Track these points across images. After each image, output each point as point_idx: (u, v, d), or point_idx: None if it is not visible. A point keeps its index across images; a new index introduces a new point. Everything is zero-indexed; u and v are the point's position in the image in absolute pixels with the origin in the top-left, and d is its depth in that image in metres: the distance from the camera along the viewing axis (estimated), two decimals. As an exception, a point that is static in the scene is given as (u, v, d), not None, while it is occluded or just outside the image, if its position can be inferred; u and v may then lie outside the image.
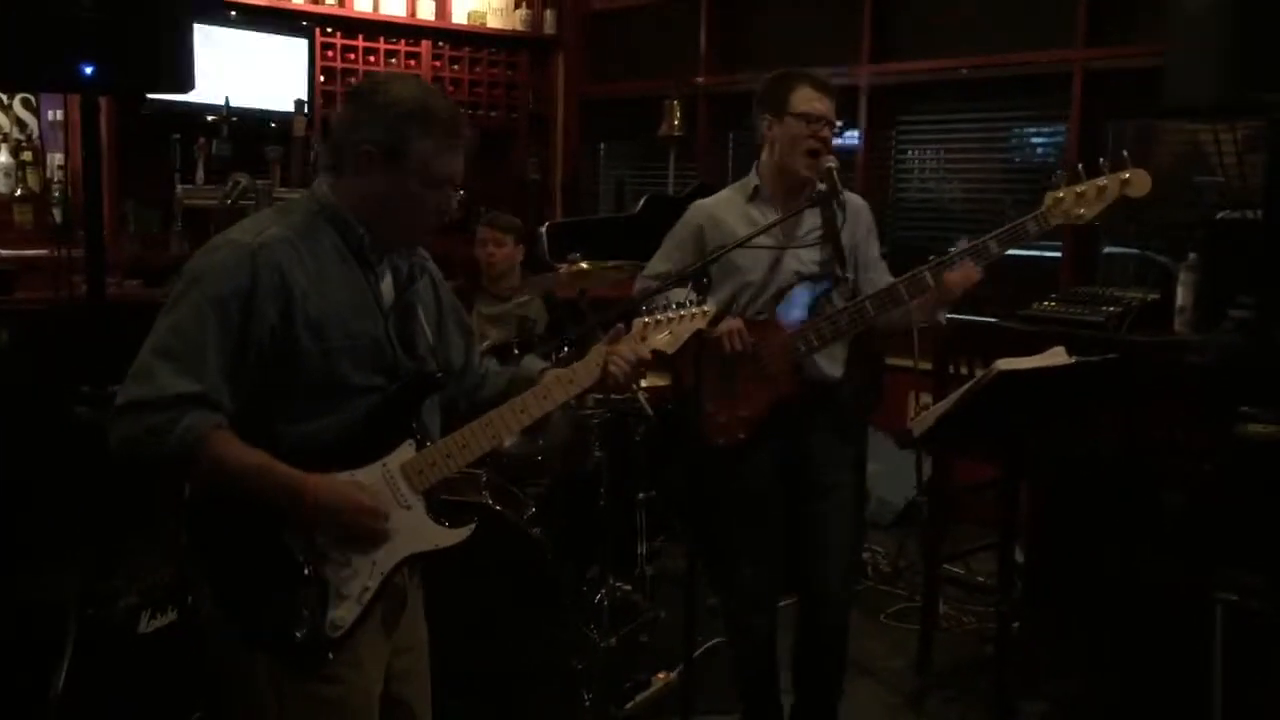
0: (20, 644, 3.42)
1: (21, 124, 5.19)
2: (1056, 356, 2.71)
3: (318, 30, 6.00)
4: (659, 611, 3.86)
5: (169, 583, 3.21)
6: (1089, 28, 4.76)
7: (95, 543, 3.22)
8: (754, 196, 3.00)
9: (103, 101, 3.26)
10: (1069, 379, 2.75)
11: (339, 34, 6.15)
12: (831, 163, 2.89)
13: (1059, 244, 4.87)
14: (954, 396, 2.74)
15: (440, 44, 6.54)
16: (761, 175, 3.01)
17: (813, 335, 2.87)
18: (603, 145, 7.25)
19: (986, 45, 5.15)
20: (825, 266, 2.96)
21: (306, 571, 1.91)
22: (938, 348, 3.88)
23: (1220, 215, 3.51)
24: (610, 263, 3.86)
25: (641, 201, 5.81)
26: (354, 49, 6.21)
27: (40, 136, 5.15)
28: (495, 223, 4.26)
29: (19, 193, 5.15)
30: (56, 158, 5.17)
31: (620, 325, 2.19)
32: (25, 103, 5.17)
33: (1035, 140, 5.32)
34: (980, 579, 4.24)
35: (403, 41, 6.40)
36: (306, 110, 5.54)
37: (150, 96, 4.72)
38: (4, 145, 5.14)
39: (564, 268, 3.89)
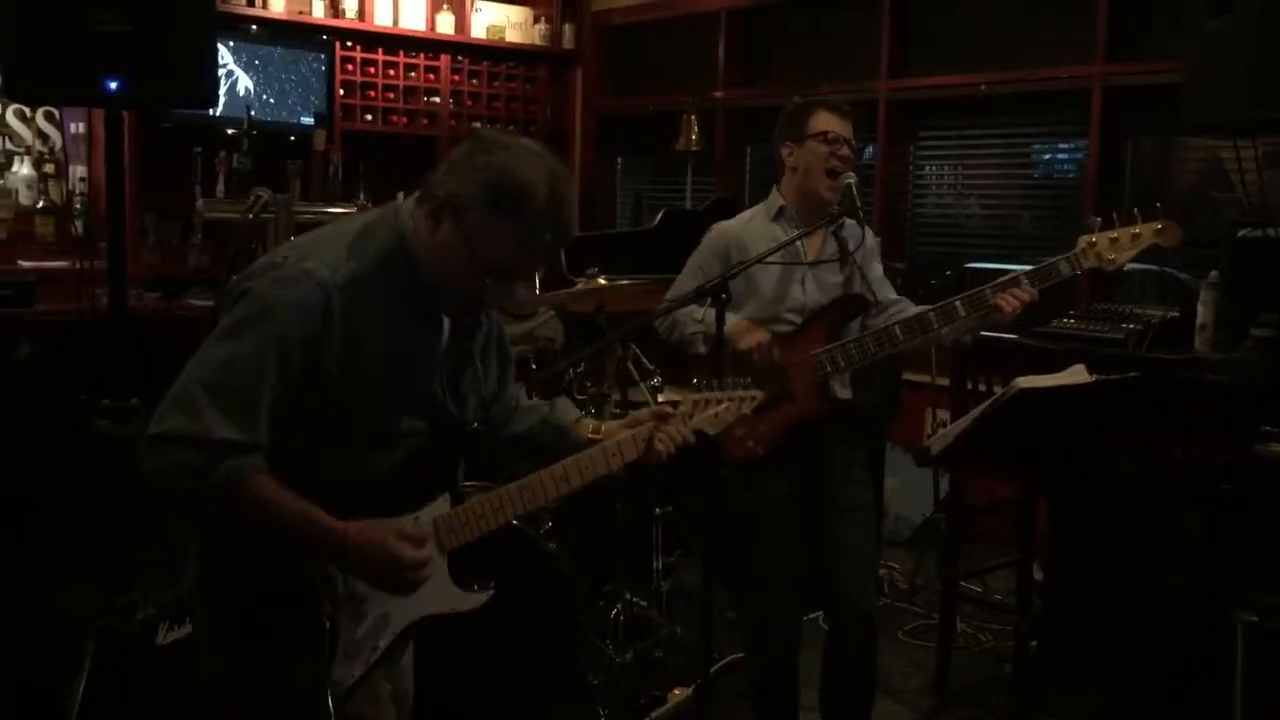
0: (39, 655, 3.43)
1: (44, 136, 5.24)
2: (1077, 374, 2.70)
3: (338, 44, 6.04)
4: (675, 627, 3.85)
5: (187, 595, 3.22)
6: (1108, 43, 4.75)
7: (114, 555, 3.23)
8: (779, 216, 3.01)
9: (125, 114, 3.28)
10: (1089, 396, 2.74)
11: (359, 48, 6.18)
12: (850, 179, 2.90)
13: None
14: (973, 414, 2.73)
15: (459, 58, 6.57)
16: (785, 197, 3.02)
17: (840, 356, 2.87)
18: (620, 159, 7.26)
19: (1005, 61, 5.14)
20: (846, 287, 2.97)
21: (320, 622, 1.84)
22: (955, 364, 3.87)
23: (1241, 233, 3.50)
24: (628, 277, 3.86)
25: (659, 216, 5.82)
26: (374, 63, 6.24)
27: (63, 149, 5.20)
28: None
29: (41, 205, 5.20)
30: (78, 170, 5.21)
31: (668, 404, 2.15)
32: (48, 115, 5.22)
33: (1054, 156, 5.30)
34: (998, 597, 4.21)
35: (422, 55, 6.43)
36: (327, 124, 5.58)
37: (172, 110, 4.76)
38: (27, 158, 5.19)
39: (581, 282, 3.89)
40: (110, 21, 2.97)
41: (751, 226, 3.03)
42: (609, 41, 7.08)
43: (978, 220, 5.48)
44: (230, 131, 5.26)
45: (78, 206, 5.16)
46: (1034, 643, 3.49)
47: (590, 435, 2.13)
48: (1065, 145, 5.20)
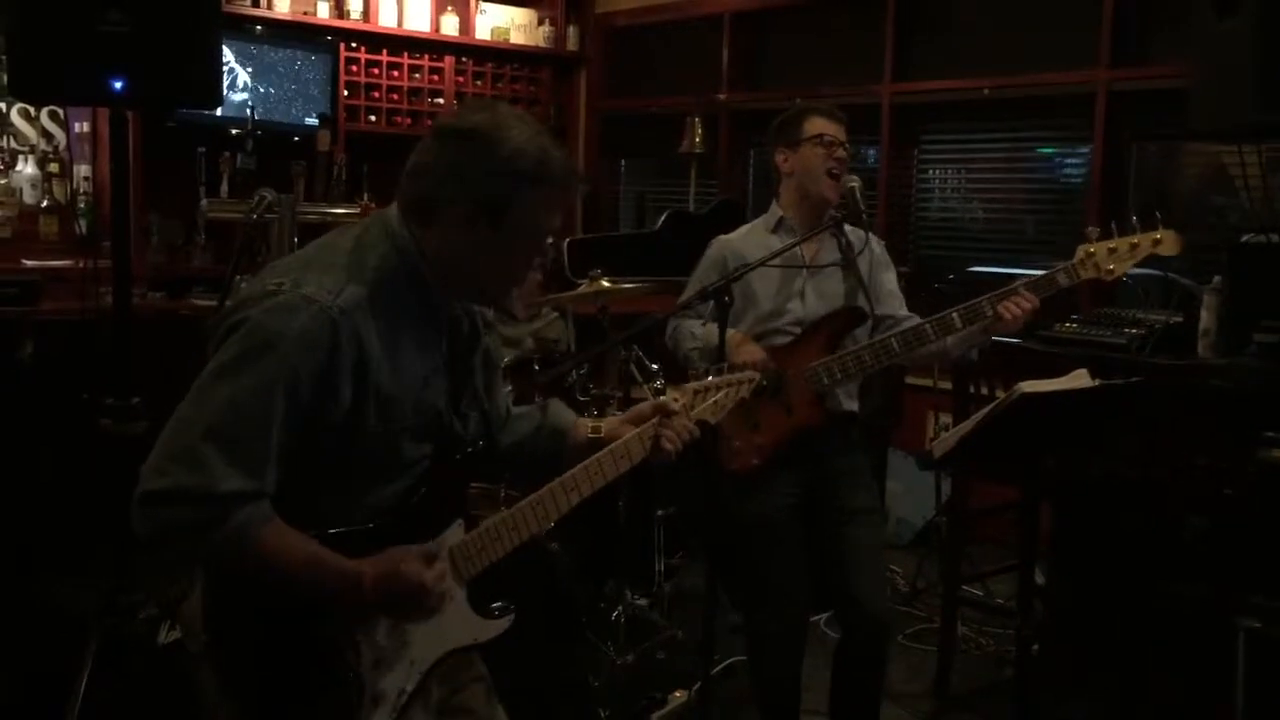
0: (41, 654, 3.44)
1: (48, 135, 5.24)
2: (1080, 379, 2.70)
3: (342, 45, 6.05)
4: (676, 629, 3.85)
5: (189, 596, 3.22)
6: (1113, 48, 4.75)
7: (116, 554, 3.24)
8: (777, 228, 3.02)
9: (129, 114, 3.29)
10: (1092, 401, 2.74)
11: (363, 49, 6.18)
12: (854, 182, 2.90)
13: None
14: (976, 418, 2.73)
15: (464, 59, 6.57)
16: (784, 208, 3.03)
17: (836, 368, 2.86)
18: (624, 161, 7.27)
19: (1009, 65, 5.14)
20: (849, 297, 2.97)
21: (345, 673, 1.74)
22: (958, 368, 3.87)
23: (1245, 239, 3.50)
24: (631, 279, 3.86)
25: (663, 218, 5.83)
26: (378, 64, 6.25)
27: (67, 148, 5.21)
28: None
29: (45, 204, 5.20)
30: (83, 169, 5.22)
31: (666, 398, 2.09)
32: (52, 115, 5.23)
33: (1057, 161, 5.30)
34: (999, 601, 4.21)
35: (426, 57, 6.43)
36: (331, 125, 5.58)
37: (176, 109, 4.77)
38: (31, 157, 5.19)
39: (584, 284, 3.89)
40: (115, 21, 2.98)
41: (750, 239, 3.05)
42: (613, 43, 7.09)
43: (981, 224, 5.48)
44: (234, 132, 5.28)
45: (82, 206, 5.17)
46: (1035, 647, 3.49)
47: (589, 434, 2.04)
48: (1069, 150, 5.20)
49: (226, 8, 5.42)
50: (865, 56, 5.68)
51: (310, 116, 5.74)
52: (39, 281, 4.51)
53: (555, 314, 4.28)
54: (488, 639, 1.93)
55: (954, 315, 2.82)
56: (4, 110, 5.13)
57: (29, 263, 4.93)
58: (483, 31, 6.63)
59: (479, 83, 6.63)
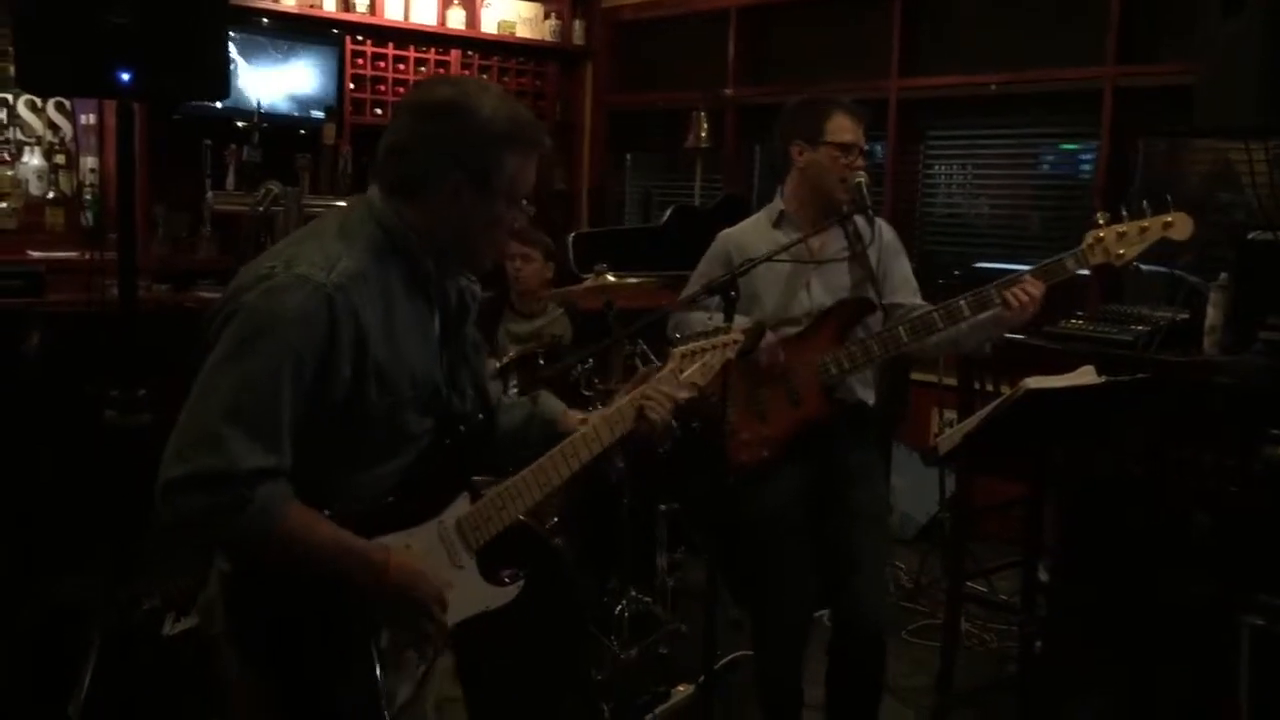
0: (45, 645, 3.44)
1: (55, 127, 5.25)
2: (1086, 375, 2.70)
3: (348, 38, 6.05)
4: (679, 623, 3.85)
5: (193, 586, 3.23)
6: (1120, 44, 4.74)
7: (121, 546, 3.24)
8: (779, 222, 3.01)
9: (136, 106, 3.29)
10: (1097, 398, 2.74)
11: (369, 42, 6.18)
12: (861, 178, 2.88)
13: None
14: (982, 414, 2.73)
15: (470, 53, 6.57)
16: (788, 201, 3.01)
17: (844, 359, 2.85)
18: (629, 156, 7.26)
19: (1016, 61, 5.13)
20: (857, 289, 2.95)
21: (365, 648, 1.78)
22: (963, 363, 3.87)
23: (1251, 236, 3.49)
24: (636, 274, 3.86)
25: (668, 213, 5.83)
26: (384, 57, 6.24)
27: (73, 140, 5.21)
28: (522, 236, 4.23)
29: (51, 195, 5.21)
30: (89, 161, 5.22)
31: (649, 367, 2.12)
32: (59, 106, 5.23)
33: (1064, 158, 5.29)
34: (1003, 597, 4.21)
35: (432, 50, 6.43)
36: (337, 118, 5.59)
37: (183, 102, 4.77)
38: (37, 148, 5.20)
39: (589, 279, 3.89)
40: (122, 14, 2.98)
41: (754, 232, 3.03)
42: (619, 37, 7.08)
43: (987, 220, 5.47)
44: (240, 124, 5.28)
45: (88, 197, 5.18)
46: (1039, 643, 3.49)
47: (579, 424, 2.07)
48: (1075, 146, 5.19)
49: (233, 0, 5.42)
50: (872, 51, 5.67)
51: (316, 110, 5.74)
52: (44, 273, 4.52)
53: (560, 310, 4.28)
54: (499, 606, 1.97)
55: (961, 303, 2.78)
56: (10, 102, 5.14)
57: (35, 254, 4.94)
58: (489, 25, 6.63)
59: (484, 76, 6.61)
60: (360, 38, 6.14)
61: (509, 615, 3.19)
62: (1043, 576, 3.71)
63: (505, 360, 3.69)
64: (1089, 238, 2.77)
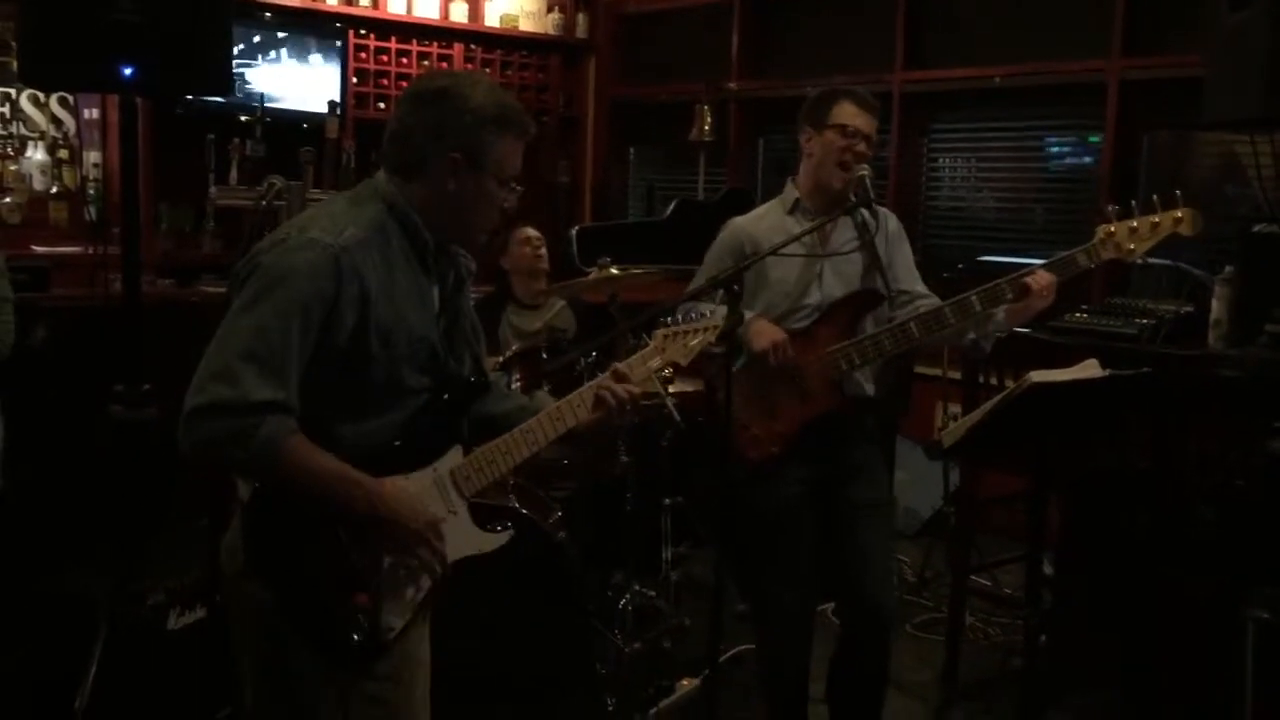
0: (51, 640, 3.45)
1: (58, 122, 5.25)
2: (1090, 369, 2.69)
3: (351, 32, 6.05)
4: (683, 618, 3.85)
5: (198, 581, 3.24)
6: (1125, 37, 4.72)
7: (126, 540, 3.25)
8: (794, 209, 2.99)
9: (139, 101, 3.29)
10: (1102, 392, 2.73)
11: (372, 36, 6.18)
12: (863, 171, 2.87)
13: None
14: (986, 407, 2.72)
15: (473, 46, 6.56)
16: (800, 189, 3.00)
17: (854, 353, 2.85)
18: (633, 149, 7.26)
19: (1020, 54, 5.12)
20: (866, 279, 2.95)
21: (366, 577, 1.96)
22: (967, 357, 3.86)
23: (1256, 229, 3.48)
24: (640, 267, 3.85)
25: (671, 206, 5.82)
26: (387, 51, 6.25)
27: (77, 135, 5.21)
28: (527, 221, 4.25)
29: (55, 190, 5.21)
30: (92, 156, 5.22)
31: (621, 365, 2.26)
32: (62, 101, 5.23)
33: (1069, 150, 5.28)
34: (1007, 591, 4.21)
35: (435, 44, 6.43)
36: (340, 112, 5.58)
37: (186, 97, 4.77)
38: (41, 143, 5.20)
39: (593, 272, 3.88)
40: (126, 8, 2.98)
41: (766, 221, 3.01)
42: (622, 31, 7.07)
43: (992, 213, 5.46)
44: (244, 119, 5.28)
45: (91, 192, 5.17)
46: (1043, 637, 3.48)
47: None
48: (1080, 139, 5.18)
49: (236, -6, 5.42)
50: (876, 45, 5.66)
51: (319, 104, 5.74)
52: (48, 268, 4.53)
53: (563, 303, 4.28)
54: (490, 550, 2.12)
55: (973, 298, 2.78)
56: (14, 96, 5.14)
57: (38, 249, 4.94)
58: (492, 19, 6.62)
59: (487, 70, 6.61)
60: (363, 32, 6.14)
61: (515, 608, 3.21)
62: (1047, 570, 3.70)
63: (508, 354, 3.69)
64: (1100, 232, 2.77)
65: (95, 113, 5.18)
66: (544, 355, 3.71)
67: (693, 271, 3.11)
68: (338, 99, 5.76)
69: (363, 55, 6.14)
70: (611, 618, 3.64)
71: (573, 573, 3.32)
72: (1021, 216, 5.32)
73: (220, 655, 2.95)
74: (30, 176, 5.16)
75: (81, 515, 3.91)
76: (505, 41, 6.69)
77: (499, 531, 2.14)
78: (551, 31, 6.85)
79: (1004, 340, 3.23)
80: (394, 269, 1.97)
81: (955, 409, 4.75)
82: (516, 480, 3.37)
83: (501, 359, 3.63)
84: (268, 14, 5.70)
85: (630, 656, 3.53)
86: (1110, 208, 2.80)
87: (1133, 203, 2.77)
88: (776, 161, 6.28)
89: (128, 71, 3.04)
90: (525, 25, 6.74)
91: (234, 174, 5.17)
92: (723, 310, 2.57)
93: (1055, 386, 2.61)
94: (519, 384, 3.53)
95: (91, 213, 5.11)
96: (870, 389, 3.02)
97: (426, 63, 6.38)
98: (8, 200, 5.09)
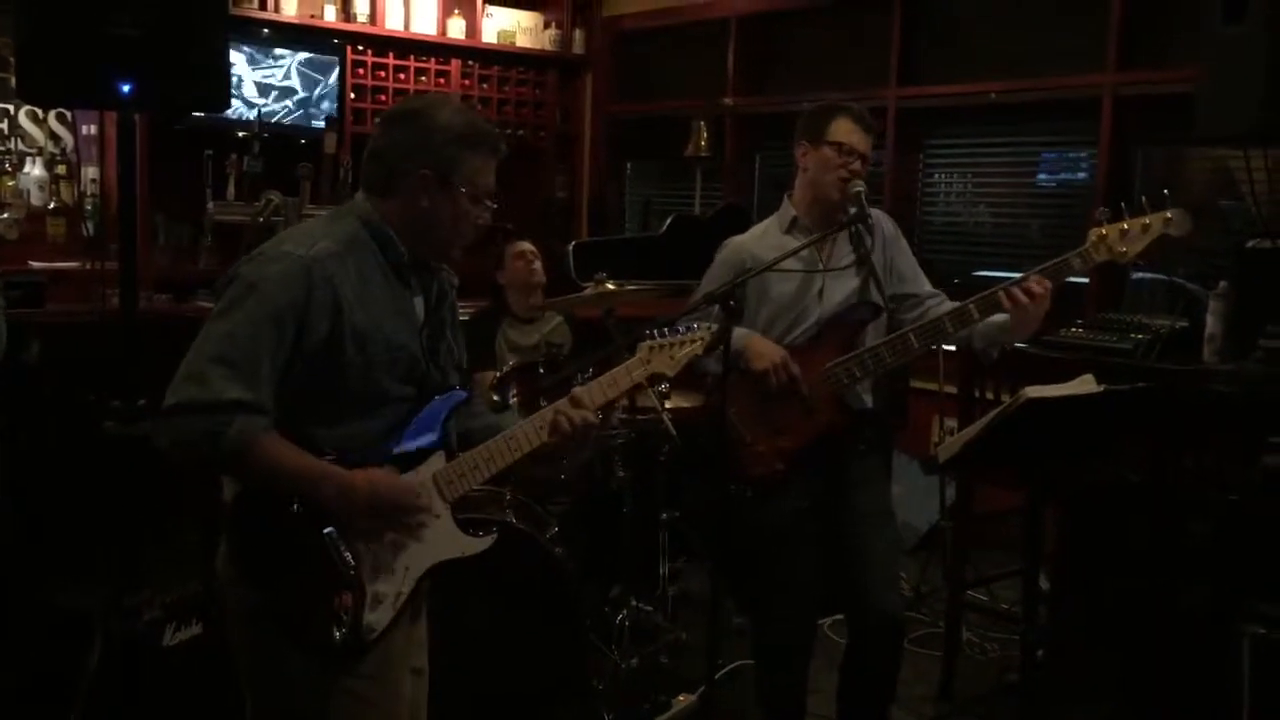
0: (45, 655, 3.44)
1: (56, 138, 5.26)
2: (1085, 384, 2.69)
3: (349, 48, 6.06)
4: (680, 633, 3.85)
5: (194, 596, 3.23)
6: (1119, 52, 4.74)
7: (121, 555, 3.24)
8: (790, 228, 3.01)
9: (136, 117, 3.29)
10: (1097, 406, 2.74)
11: (370, 52, 6.20)
12: (858, 187, 2.89)
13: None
14: (982, 422, 2.72)
15: (470, 63, 6.58)
16: (796, 205, 3.02)
17: (855, 367, 2.86)
18: (629, 165, 7.27)
19: (1015, 69, 5.13)
20: (864, 293, 2.96)
21: (348, 575, 2.02)
22: (963, 371, 3.87)
23: (1250, 244, 3.49)
24: (636, 282, 3.86)
25: (667, 222, 5.83)
26: (384, 67, 6.26)
27: (75, 150, 5.22)
28: (521, 236, 4.25)
29: (52, 205, 5.21)
30: (90, 171, 5.23)
31: (577, 388, 2.26)
32: (60, 117, 5.24)
33: (1064, 165, 5.30)
34: (1004, 606, 4.21)
35: (433, 60, 6.45)
36: (337, 127, 5.59)
37: (184, 112, 4.77)
38: (38, 158, 5.21)
39: (589, 287, 3.89)
40: (123, 24, 2.99)
41: (765, 240, 3.02)
42: (619, 47, 7.09)
43: (987, 229, 5.47)
44: (241, 134, 5.29)
45: (89, 208, 5.18)
46: (1040, 652, 3.47)
47: None
48: (1075, 154, 5.19)
49: (234, 11, 5.43)
50: (871, 60, 5.67)
51: (317, 119, 5.76)
52: (45, 283, 4.52)
53: (559, 318, 4.29)
54: (472, 553, 2.16)
55: (971, 307, 2.81)
56: (12, 112, 5.15)
57: (36, 264, 4.94)
58: (489, 35, 6.64)
59: (485, 85, 6.64)
60: (361, 48, 6.16)
61: (512, 623, 3.20)
62: (1043, 585, 3.70)
63: (505, 369, 3.69)
64: (1093, 235, 2.78)
65: (93, 128, 5.19)
66: (541, 370, 3.71)
67: (689, 286, 3.13)
68: (335, 114, 5.77)
69: (360, 71, 6.16)
70: (609, 633, 3.63)
71: (570, 588, 3.32)
72: (1017, 231, 5.33)
73: (216, 672, 2.96)
74: (28, 192, 5.17)
75: (77, 530, 3.90)
76: (502, 57, 6.70)
77: (481, 536, 2.17)
78: (548, 48, 6.87)
79: (1000, 355, 3.25)
80: (368, 281, 2.03)
81: (951, 423, 4.74)
82: (514, 496, 3.37)
83: (498, 374, 3.63)
84: (265, 30, 5.72)
85: (627, 672, 3.53)
86: (1101, 210, 2.82)
87: (1123, 205, 2.79)
88: (773, 177, 6.30)
89: (126, 88, 3.04)
90: (522, 41, 6.77)
91: (231, 189, 5.18)
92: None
93: (1051, 401, 2.62)
94: (515, 399, 3.53)
95: (89, 228, 5.11)
96: (869, 400, 3.03)
97: (424, 79, 6.40)
98: (5, 216, 5.09)
